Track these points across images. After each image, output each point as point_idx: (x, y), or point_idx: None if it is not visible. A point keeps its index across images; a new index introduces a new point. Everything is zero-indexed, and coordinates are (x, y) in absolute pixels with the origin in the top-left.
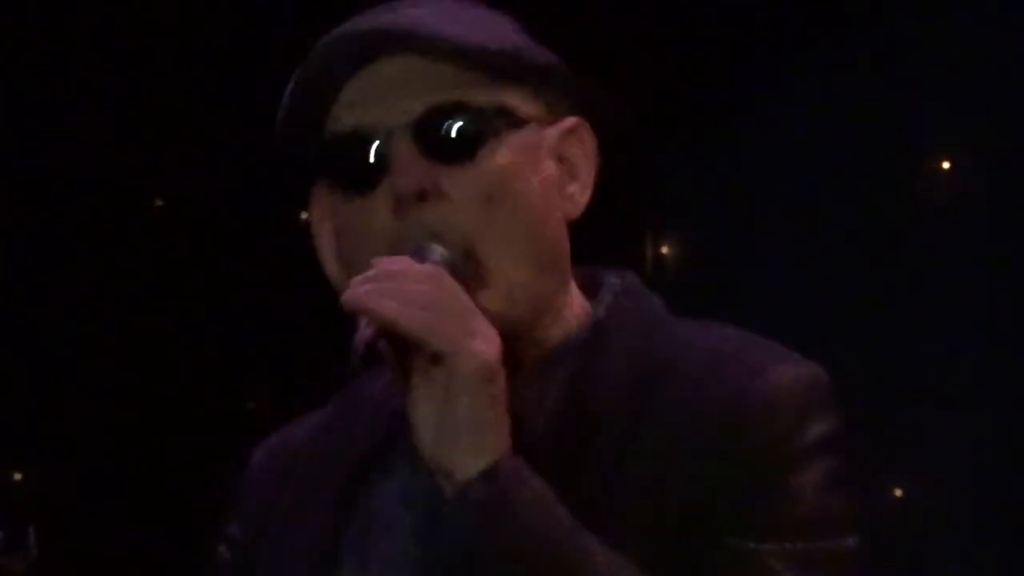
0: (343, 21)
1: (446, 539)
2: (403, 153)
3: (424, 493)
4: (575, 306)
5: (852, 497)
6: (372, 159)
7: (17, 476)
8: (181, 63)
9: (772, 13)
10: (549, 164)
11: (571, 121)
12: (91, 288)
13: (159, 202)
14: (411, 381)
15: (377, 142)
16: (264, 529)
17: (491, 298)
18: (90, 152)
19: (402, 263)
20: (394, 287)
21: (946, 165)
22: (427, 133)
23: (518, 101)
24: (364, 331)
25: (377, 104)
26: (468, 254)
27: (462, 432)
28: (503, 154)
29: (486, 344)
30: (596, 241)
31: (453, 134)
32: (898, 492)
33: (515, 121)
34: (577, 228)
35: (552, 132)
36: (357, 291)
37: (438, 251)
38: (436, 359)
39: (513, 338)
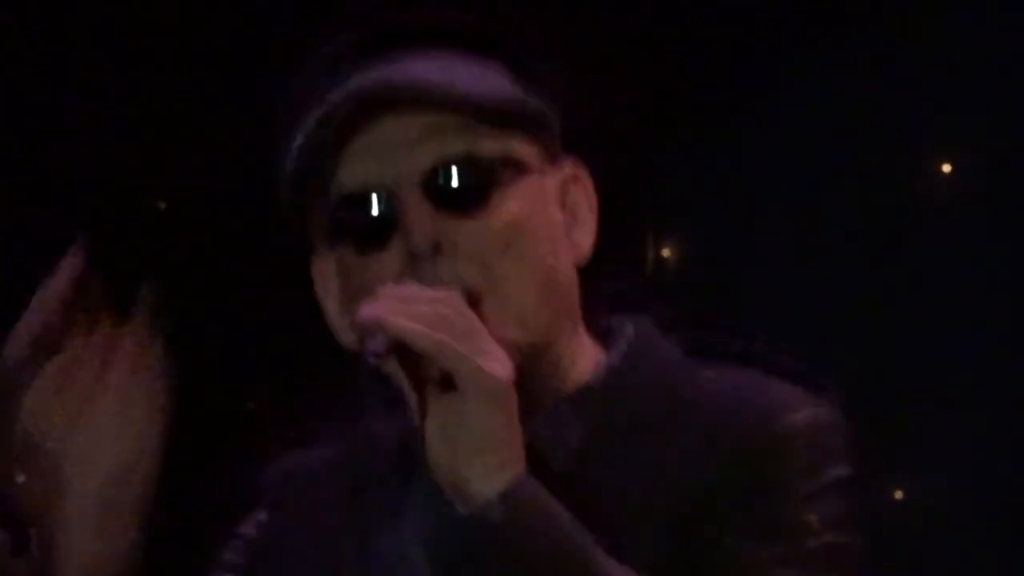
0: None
1: (464, 560)
2: (414, 207)
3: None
4: (588, 353)
5: (857, 536)
6: (383, 215)
7: (20, 478)
8: (184, 64)
9: (772, 14)
10: (554, 209)
11: (570, 167)
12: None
13: (162, 204)
14: (423, 402)
15: (387, 197)
16: (279, 557)
17: (504, 328)
18: (92, 154)
19: (411, 288)
20: (407, 307)
21: (946, 166)
22: (437, 186)
23: (520, 148)
24: (375, 343)
25: (385, 159)
26: (475, 297)
27: (477, 452)
28: (513, 204)
29: (498, 363)
30: (597, 243)
31: (463, 186)
32: (899, 494)
33: (521, 169)
34: None
35: (553, 177)
36: (371, 308)
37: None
38: (449, 379)
39: (527, 378)
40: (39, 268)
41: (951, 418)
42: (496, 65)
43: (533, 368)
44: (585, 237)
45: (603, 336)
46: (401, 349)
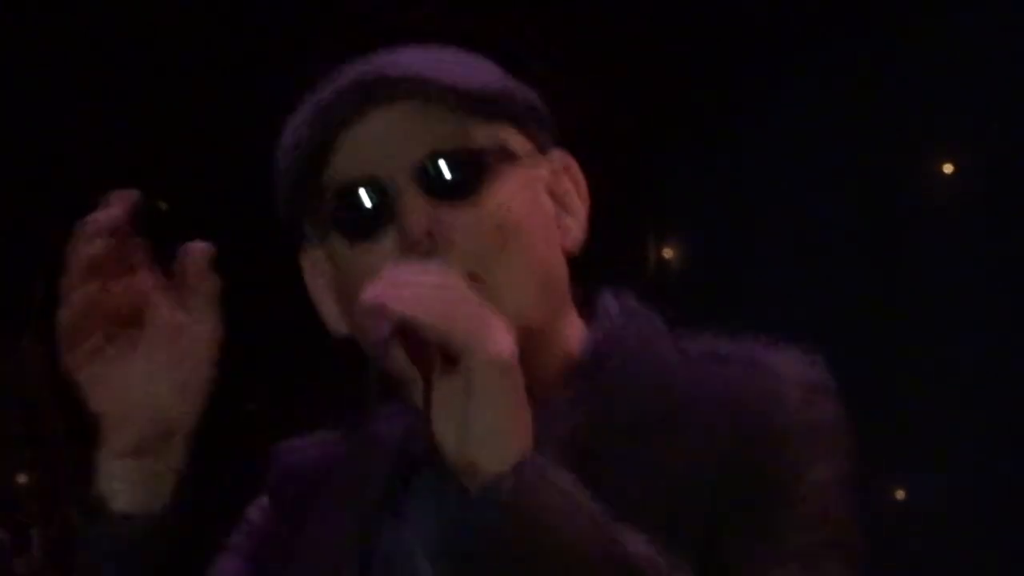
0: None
1: (479, 539)
2: (408, 198)
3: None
4: (575, 332)
5: (854, 506)
6: (377, 206)
7: (21, 479)
8: (185, 64)
9: (773, 15)
10: (546, 200)
11: (559, 157)
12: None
13: (163, 205)
14: (429, 383)
15: (381, 189)
16: (281, 544)
17: (500, 313)
18: (93, 155)
19: (411, 269)
20: (408, 288)
21: (947, 167)
22: (430, 177)
23: (511, 138)
24: (380, 330)
25: (378, 151)
26: (475, 278)
27: (485, 428)
28: (505, 191)
29: (503, 340)
30: (598, 245)
31: (456, 175)
32: (900, 494)
33: (512, 158)
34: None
35: (544, 169)
36: (372, 293)
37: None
38: (453, 358)
39: (520, 363)
40: (39, 268)
41: (952, 418)
42: (486, 58)
43: (525, 354)
44: (576, 226)
45: (587, 313)
46: (404, 332)
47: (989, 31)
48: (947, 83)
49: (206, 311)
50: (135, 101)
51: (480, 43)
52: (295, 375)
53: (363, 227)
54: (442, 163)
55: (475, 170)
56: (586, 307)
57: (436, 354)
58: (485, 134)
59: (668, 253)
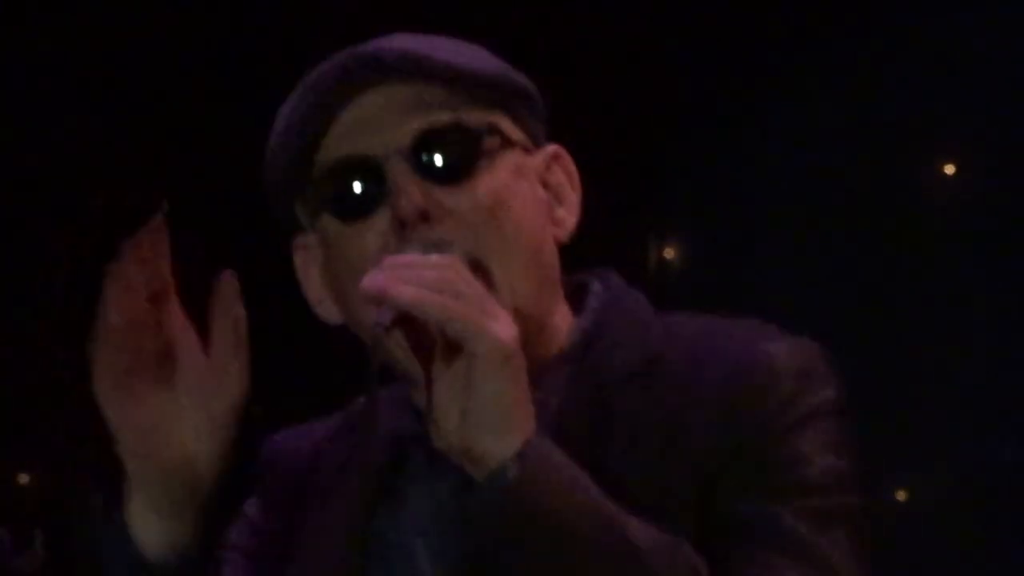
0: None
1: (482, 524)
2: (401, 177)
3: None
4: (564, 321)
5: (854, 458)
6: (370, 185)
7: (23, 478)
8: (187, 64)
9: (775, 16)
10: (538, 188)
11: (553, 148)
12: (96, 290)
13: (165, 205)
14: (430, 370)
15: (374, 168)
16: (280, 537)
17: (498, 300)
18: (95, 155)
19: (412, 256)
20: (410, 275)
21: (949, 168)
22: (424, 155)
23: (505, 125)
24: (381, 316)
25: (371, 131)
26: (473, 263)
27: (488, 415)
28: (499, 173)
29: (505, 327)
30: (599, 245)
31: (449, 155)
32: (901, 495)
33: (505, 143)
34: (581, 233)
35: (537, 158)
36: (373, 279)
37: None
38: (456, 344)
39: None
40: (41, 268)
41: (953, 419)
42: (481, 48)
43: (521, 341)
44: (568, 216)
45: (574, 297)
46: (405, 319)
47: (991, 32)
48: (948, 84)
49: (235, 349)
50: (138, 101)
51: (479, 40)
52: (297, 378)
53: (356, 208)
54: (436, 143)
55: (468, 152)
56: (571, 290)
57: (438, 341)
58: (479, 118)
59: (669, 253)
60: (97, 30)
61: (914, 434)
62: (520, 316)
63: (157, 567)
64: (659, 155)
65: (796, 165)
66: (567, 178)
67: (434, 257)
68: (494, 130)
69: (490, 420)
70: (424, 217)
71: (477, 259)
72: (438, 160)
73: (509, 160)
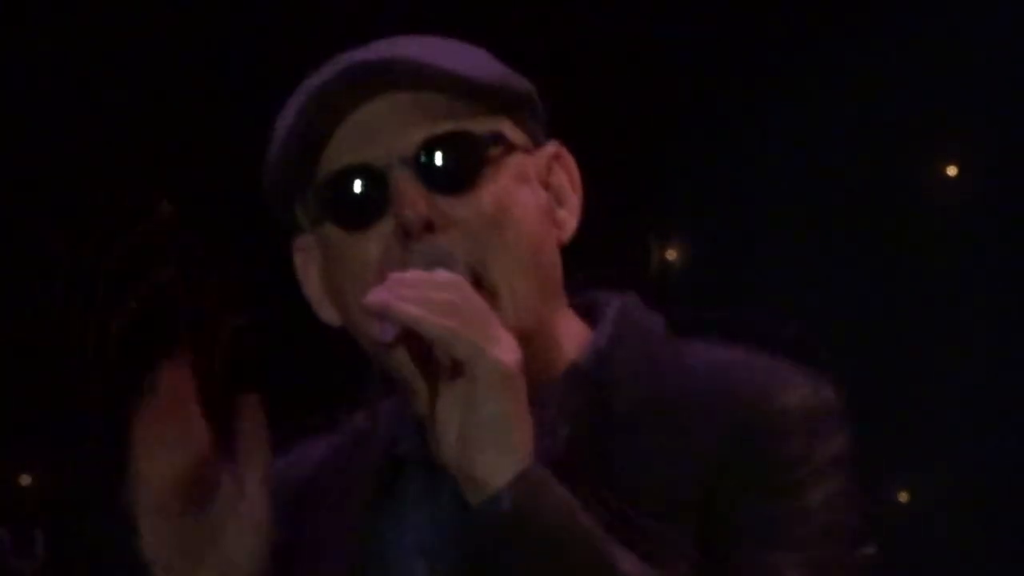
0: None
1: (477, 547)
2: (405, 186)
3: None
4: (573, 333)
5: (861, 510)
6: (372, 193)
7: (24, 479)
8: (189, 64)
9: (776, 17)
10: (540, 191)
11: (553, 147)
12: (98, 291)
13: (167, 207)
14: (432, 390)
15: (377, 176)
16: (281, 559)
17: (502, 313)
18: (96, 155)
19: (417, 274)
20: (415, 294)
21: (951, 169)
22: (427, 164)
23: (507, 129)
24: (385, 332)
25: (374, 139)
26: (476, 276)
27: (487, 438)
28: (502, 181)
29: (508, 350)
30: (601, 247)
31: (453, 164)
32: (903, 497)
33: (507, 149)
34: (582, 235)
35: (539, 159)
36: (377, 295)
37: (445, 273)
38: (458, 366)
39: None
40: (42, 268)
41: (956, 421)
42: (481, 51)
43: (525, 353)
44: (569, 217)
45: (588, 312)
46: (409, 337)
47: (992, 33)
48: (951, 85)
49: (262, 469)
50: (139, 101)
51: (480, 40)
52: (300, 379)
53: (358, 216)
54: (438, 152)
55: (471, 160)
56: (589, 309)
57: (440, 360)
58: (481, 124)
59: (671, 255)
60: (97, 30)
61: (915, 435)
62: (521, 326)
63: None
64: (660, 156)
65: (798, 166)
66: (568, 178)
67: (439, 276)
68: (497, 137)
69: (488, 442)
70: (428, 227)
71: (480, 270)
72: (442, 169)
73: (512, 166)
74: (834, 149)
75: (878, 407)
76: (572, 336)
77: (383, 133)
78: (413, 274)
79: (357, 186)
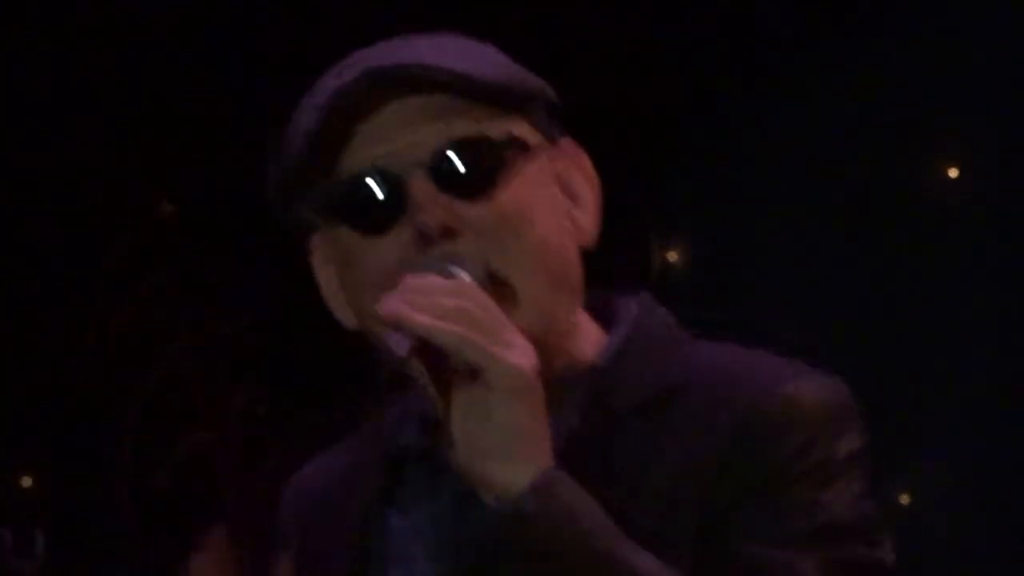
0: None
1: (496, 554)
2: (421, 190)
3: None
4: (589, 332)
5: (873, 506)
6: (389, 197)
7: (26, 481)
8: (190, 64)
9: (777, 19)
10: (557, 193)
11: (568, 146)
12: (100, 293)
13: (168, 207)
14: (448, 397)
15: (393, 180)
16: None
17: (520, 315)
18: (98, 156)
19: (430, 280)
20: (427, 301)
21: (952, 171)
22: (444, 168)
23: (522, 129)
24: (399, 344)
25: (390, 142)
26: (493, 277)
27: (503, 444)
28: (519, 184)
29: (523, 356)
30: (603, 248)
31: (470, 167)
32: (904, 498)
33: (525, 151)
34: None
35: (555, 159)
36: (391, 304)
37: (463, 273)
38: (473, 373)
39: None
40: (42, 268)
41: (957, 422)
42: (494, 50)
43: (541, 355)
44: (588, 220)
45: (604, 315)
46: (423, 344)
47: (994, 34)
48: (951, 87)
49: None
50: (141, 102)
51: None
52: (302, 380)
53: (374, 220)
54: (455, 156)
55: (489, 164)
56: (602, 308)
57: (455, 368)
58: (498, 126)
59: (672, 256)
60: (98, 31)
61: (916, 437)
62: (542, 330)
63: None
64: (661, 157)
65: (799, 168)
66: (586, 181)
67: (451, 282)
68: (514, 140)
69: (505, 449)
70: (446, 232)
71: (499, 274)
72: (459, 173)
73: (529, 169)
74: (835, 150)
75: (878, 408)
76: (589, 338)
77: (399, 137)
78: (425, 280)
79: (373, 191)
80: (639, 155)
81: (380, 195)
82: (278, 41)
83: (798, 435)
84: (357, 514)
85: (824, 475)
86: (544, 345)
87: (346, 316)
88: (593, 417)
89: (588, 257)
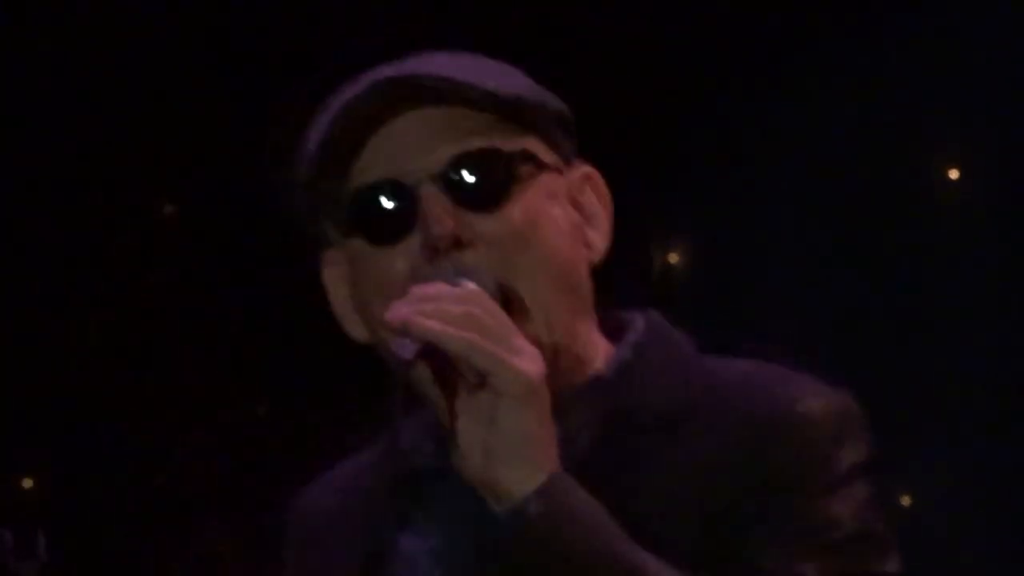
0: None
1: (503, 558)
2: (433, 202)
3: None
4: (599, 348)
5: (883, 518)
6: (401, 209)
7: (27, 482)
8: (192, 67)
9: (779, 21)
10: (570, 211)
11: (586, 169)
12: (102, 294)
13: (169, 208)
14: (455, 404)
15: (406, 192)
16: None
17: (529, 327)
18: (100, 158)
19: (439, 287)
20: (435, 308)
21: (953, 173)
22: (456, 180)
23: (537, 147)
24: (405, 349)
25: (404, 155)
26: (502, 289)
27: (511, 449)
28: (531, 199)
29: (531, 362)
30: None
31: (482, 181)
32: (906, 500)
33: (538, 167)
34: None
35: (570, 179)
36: (399, 310)
37: (472, 284)
38: (481, 380)
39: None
40: (44, 269)
41: (958, 424)
42: (512, 69)
43: (551, 368)
44: (599, 238)
45: (613, 330)
46: (430, 350)
47: (996, 36)
48: (953, 88)
49: None
50: (142, 104)
51: (477, 47)
52: (305, 380)
53: (385, 230)
54: (469, 169)
55: (501, 178)
56: (610, 323)
57: (462, 374)
58: (512, 142)
59: (673, 258)
60: (99, 31)
61: (917, 438)
62: (552, 341)
63: None
64: (662, 160)
65: (800, 170)
66: (599, 199)
67: (459, 289)
68: (527, 155)
69: (513, 455)
70: (455, 243)
71: (508, 286)
72: (471, 186)
73: (542, 184)
74: (836, 152)
75: (879, 411)
76: (598, 351)
77: (413, 149)
78: (433, 287)
79: (386, 202)
80: (640, 158)
81: (391, 206)
82: (279, 43)
83: (811, 454)
84: (366, 540)
85: (835, 490)
86: (553, 356)
87: (356, 329)
88: (602, 429)
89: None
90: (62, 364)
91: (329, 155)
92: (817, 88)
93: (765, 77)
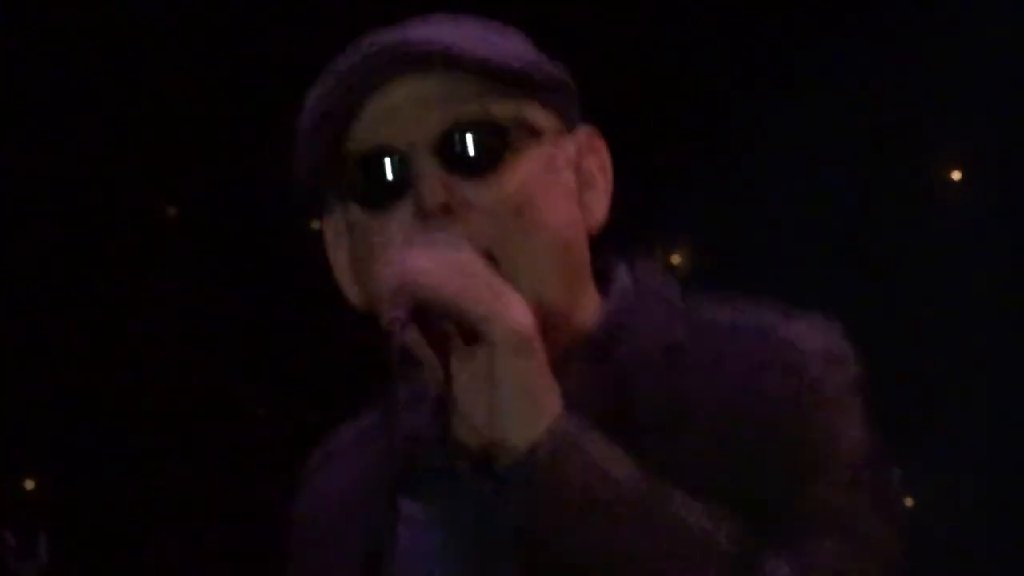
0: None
1: (515, 510)
2: (427, 168)
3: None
4: (590, 306)
5: (876, 432)
6: (396, 175)
7: (28, 484)
8: (195, 69)
9: (782, 22)
10: (568, 175)
11: (585, 132)
12: (103, 296)
13: (172, 211)
14: (451, 367)
15: (400, 159)
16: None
17: (520, 294)
18: (102, 160)
19: (424, 247)
20: (422, 266)
21: (956, 174)
22: (450, 148)
23: (535, 114)
24: (396, 308)
25: (398, 121)
26: (492, 257)
27: (514, 401)
28: (525, 167)
29: (521, 313)
30: (605, 251)
31: (476, 149)
32: (908, 501)
33: (534, 134)
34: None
35: (568, 144)
36: (389, 271)
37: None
38: (474, 335)
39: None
40: (42, 269)
41: (960, 424)
42: (515, 33)
43: (545, 331)
44: (599, 204)
45: (601, 280)
46: (422, 313)
47: (996, 36)
48: (955, 89)
49: None
50: (144, 105)
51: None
52: (306, 381)
53: (381, 197)
54: (463, 137)
55: (496, 146)
56: (602, 279)
57: (454, 333)
58: (509, 109)
59: (676, 259)
60: (100, 31)
61: (917, 439)
62: (545, 308)
63: None
64: (665, 161)
65: (802, 171)
66: (600, 166)
67: (445, 245)
68: (523, 122)
69: (517, 406)
70: (446, 210)
71: (497, 255)
72: (464, 153)
73: (538, 152)
74: (836, 153)
75: (880, 412)
76: (589, 312)
77: (408, 116)
78: (418, 246)
79: (381, 169)
80: (642, 158)
81: (386, 173)
82: (281, 45)
83: (805, 375)
84: (366, 540)
85: (831, 407)
86: (544, 321)
87: (353, 293)
88: (601, 380)
89: (590, 259)
90: (63, 366)
91: (324, 124)
92: (818, 89)
93: (765, 77)
